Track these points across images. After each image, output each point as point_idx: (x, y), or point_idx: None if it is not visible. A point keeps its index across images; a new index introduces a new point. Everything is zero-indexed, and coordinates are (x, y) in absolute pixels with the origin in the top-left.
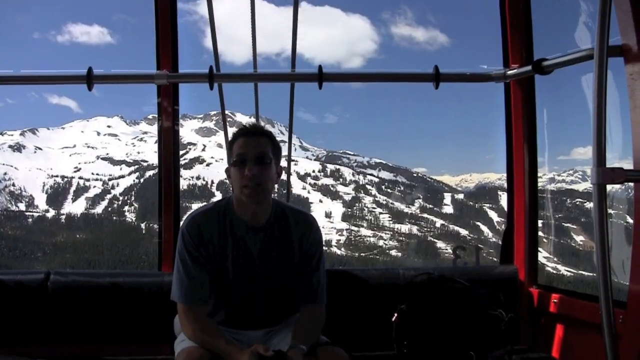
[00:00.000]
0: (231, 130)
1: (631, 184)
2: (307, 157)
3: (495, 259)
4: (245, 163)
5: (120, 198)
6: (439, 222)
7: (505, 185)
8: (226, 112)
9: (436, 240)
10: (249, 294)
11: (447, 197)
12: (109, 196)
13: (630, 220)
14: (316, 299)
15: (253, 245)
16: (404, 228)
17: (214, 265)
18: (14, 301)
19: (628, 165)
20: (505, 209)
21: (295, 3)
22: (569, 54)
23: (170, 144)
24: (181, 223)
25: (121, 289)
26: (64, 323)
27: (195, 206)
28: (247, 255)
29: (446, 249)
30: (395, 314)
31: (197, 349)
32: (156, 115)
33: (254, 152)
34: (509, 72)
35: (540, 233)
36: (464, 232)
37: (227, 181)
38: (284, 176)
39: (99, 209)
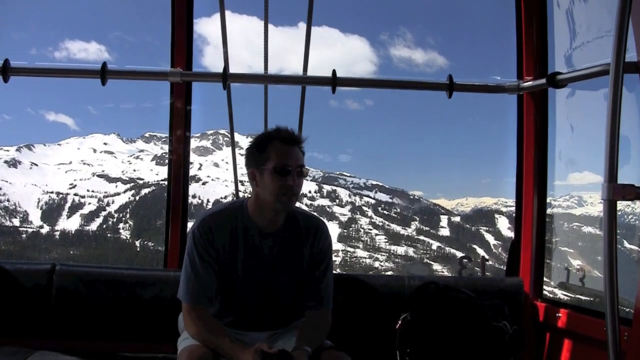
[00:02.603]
0: (228, 149)
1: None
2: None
3: None
4: (289, 173)
5: (115, 215)
6: (435, 245)
7: (501, 208)
8: (222, 131)
9: (432, 262)
10: (256, 297)
11: (444, 220)
12: (103, 213)
13: (628, 245)
14: (322, 305)
15: (264, 248)
16: (400, 250)
17: (222, 266)
18: (19, 292)
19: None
20: (502, 232)
21: (310, 6)
22: (584, 69)
23: (181, 144)
24: (190, 224)
25: (126, 284)
26: (68, 316)
27: (190, 225)
28: (256, 258)
29: (442, 272)
30: (399, 322)
31: (200, 347)
32: (153, 134)
33: (296, 163)
34: (523, 85)
35: None
36: (460, 254)
37: (223, 200)
38: None
39: (93, 226)
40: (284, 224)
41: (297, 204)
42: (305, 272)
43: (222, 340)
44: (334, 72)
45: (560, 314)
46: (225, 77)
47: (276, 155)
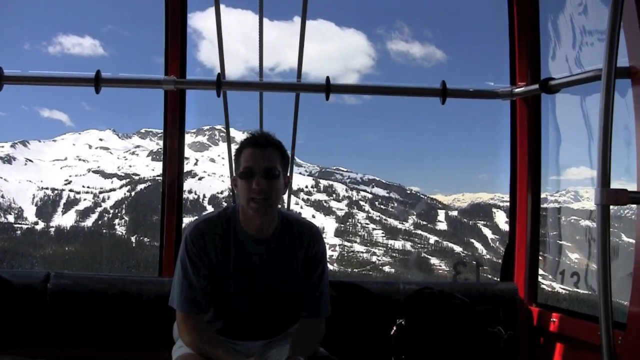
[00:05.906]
0: (223, 145)
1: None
2: (300, 173)
3: (490, 276)
4: (253, 175)
5: (111, 211)
6: (432, 239)
7: (498, 203)
8: (218, 127)
9: (430, 257)
10: (249, 304)
11: (441, 214)
12: (99, 209)
13: (626, 239)
14: (317, 313)
15: (256, 255)
16: (398, 244)
17: (215, 273)
18: (13, 301)
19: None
20: (500, 226)
21: (304, 9)
22: (576, 74)
23: (175, 150)
24: (183, 229)
25: (121, 293)
26: (63, 325)
27: (187, 220)
28: (249, 265)
29: (440, 266)
30: (394, 328)
31: (194, 356)
32: (149, 130)
33: (263, 165)
34: (516, 90)
35: None
36: (458, 248)
37: (219, 195)
38: None
39: (89, 222)
40: (277, 231)
41: (294, 200)
42: (300, 279)
43: (216, 350)
44: (327, 79)
45: (554, 319)
46: (219, 85)
47: (244, 160)
